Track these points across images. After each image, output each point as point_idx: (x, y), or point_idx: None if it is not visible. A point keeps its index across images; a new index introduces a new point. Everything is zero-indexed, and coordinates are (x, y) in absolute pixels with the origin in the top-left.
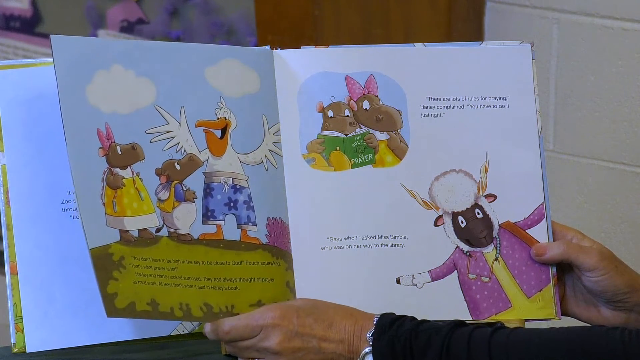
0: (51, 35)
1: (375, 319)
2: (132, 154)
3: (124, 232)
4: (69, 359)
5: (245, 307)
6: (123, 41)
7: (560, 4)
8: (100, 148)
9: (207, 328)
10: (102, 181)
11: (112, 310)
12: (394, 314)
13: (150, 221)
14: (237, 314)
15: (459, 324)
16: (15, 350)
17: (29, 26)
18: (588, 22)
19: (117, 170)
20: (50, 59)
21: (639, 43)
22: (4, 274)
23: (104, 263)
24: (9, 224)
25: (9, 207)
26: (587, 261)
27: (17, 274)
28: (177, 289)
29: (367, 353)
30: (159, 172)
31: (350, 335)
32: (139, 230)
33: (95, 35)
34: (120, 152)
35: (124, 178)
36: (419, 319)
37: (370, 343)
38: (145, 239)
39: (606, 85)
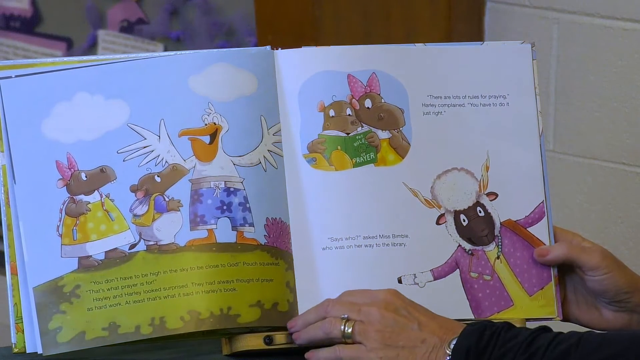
0: (0, 81)
1: None
2: (100, 177)
3: (84, 259)
4: (69, 359)
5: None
6: (88, 68)
7: (560, 4)
8: (59, 179)
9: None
10: (61, 212)
11: (52, 345)
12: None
13: (123, 239)
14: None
15: (546, 328)
16: (15, 350)
17: (29, 26)
18: (588, 22)
19: (81, 197)
20: (52, 59)
21: (639, 43)
22: (4, 274)
23: (50, 299)
24: (9, 224)
25: (9, 207)
26: (589, 260)
27: (17, 274)
28: (150, 304)
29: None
30: (134, 189)
31: (450, 324)
32: (106, 252)
33: (95, 35)
34: (85, 178)
35: (89, 203)
36: None
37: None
38: (114, 259)
39: (606, 85)
